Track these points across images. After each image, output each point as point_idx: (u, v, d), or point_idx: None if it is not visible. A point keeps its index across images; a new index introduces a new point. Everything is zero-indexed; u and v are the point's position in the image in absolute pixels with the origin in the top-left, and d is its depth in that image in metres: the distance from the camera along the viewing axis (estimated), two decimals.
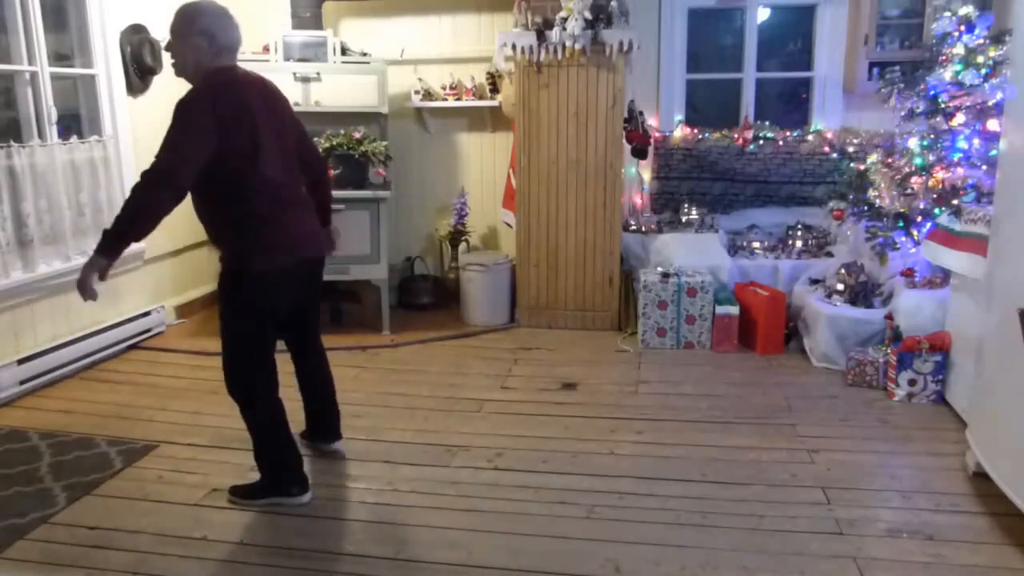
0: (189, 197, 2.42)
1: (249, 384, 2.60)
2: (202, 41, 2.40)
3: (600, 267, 4.73)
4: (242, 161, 2.39)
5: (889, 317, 3.79)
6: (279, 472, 2.69)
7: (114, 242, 2.30)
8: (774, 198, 5.04)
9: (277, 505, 2.66)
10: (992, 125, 3.48)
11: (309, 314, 2.89)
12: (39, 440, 3.20)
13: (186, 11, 2.43)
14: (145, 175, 2.29)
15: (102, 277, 2.30)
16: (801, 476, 2.87)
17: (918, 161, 3.78)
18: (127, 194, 2.17)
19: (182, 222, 4.91)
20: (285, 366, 2.74)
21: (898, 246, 3.95)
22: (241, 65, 2.55)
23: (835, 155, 4.88)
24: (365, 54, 4.83)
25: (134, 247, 4.39)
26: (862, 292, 4.04)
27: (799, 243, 4.75)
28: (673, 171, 5.10)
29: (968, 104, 3.60)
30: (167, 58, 2.59)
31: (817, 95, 5.08)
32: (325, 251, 2.81)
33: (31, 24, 3.78)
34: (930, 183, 3.68)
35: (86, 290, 2.29)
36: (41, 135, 3.85)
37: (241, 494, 2.72)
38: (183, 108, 2.32)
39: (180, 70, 2.49)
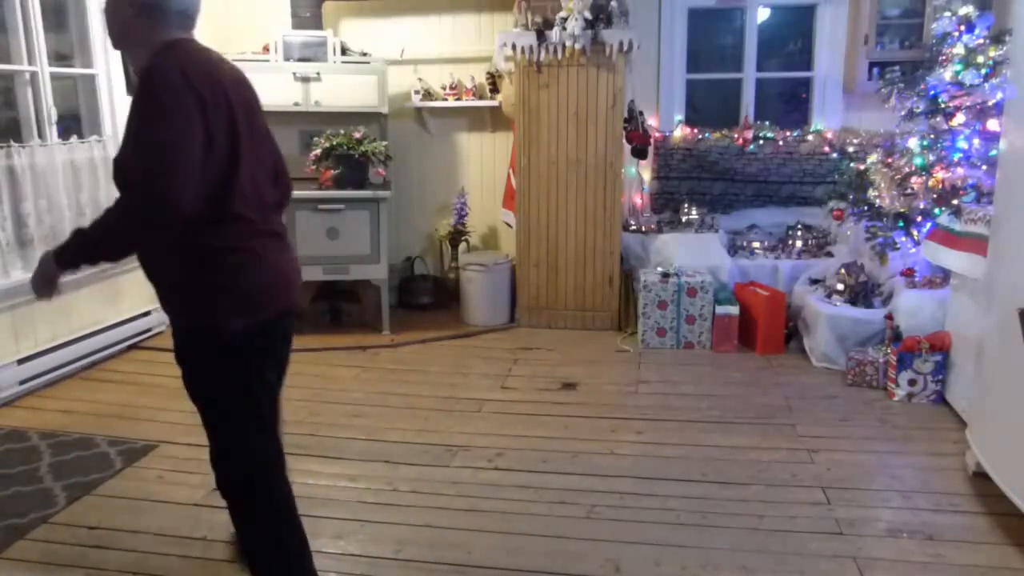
0: None
1: (250, 475, 1.93)
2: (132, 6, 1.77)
3: (600, 267, 4.73)
4: (220, 166, 1.75)
5: (889, 317, 3.79)
6: None
7: (82, 256, 1.79)
8: (774, 198, 5.04)
9: None
10: (992, 125, 3.48)
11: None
12: (39, 440, 3.20)
13: None
14: (126, 203, 1.70)
15: (52, 284, 1.83)
16: (801, 476, 2.87)
17: (918, 161, 3.78)
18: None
19: None
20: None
21: (898, 246, 3.95)
22: (236, 63, 1.95)
23: (835, 155, 4.88)
24: (365, 54, 4.83)
25: None
26: (862, 292, 4.04)
27: (799, 243, 4.75)
28: (673, 171, 5.10)
29: (968, 104, 3.60)
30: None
31: (817, 95, 5.08)
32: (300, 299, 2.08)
33: (31, 24, 3.78)
34: (930, 183, 3.68)
35: (49, 294, 1.85)
36: (41, 135, 3.85)
37: None
38: (157, 89, 1.66)
39: (116, 40, 1.86)
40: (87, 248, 1.77)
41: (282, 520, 1.96)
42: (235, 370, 1.86)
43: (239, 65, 1.98)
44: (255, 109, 1.93)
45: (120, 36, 1.83)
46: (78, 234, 1.77)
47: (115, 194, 1.77)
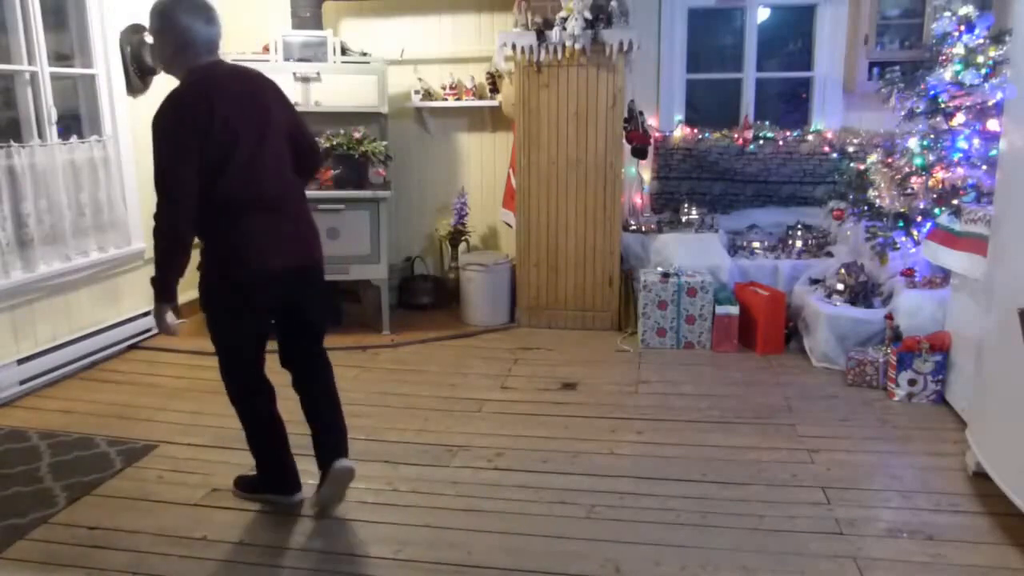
0: None
1: (231, 388, 2.59)
2: (172, 37, 2.33)
3: (600, 267, 4.73)
4: (215, 163, 2.28)
5: (889, 317, 3.79)
6: (264, 471, 2.71)
7: (161, 288, 2.37)
8: (774, 198, 5.04)
9: (271, 502, 2.70)
10: (992, 125, 3.48)
11: (295, 323, 2.63)
12: (39, 440, 3.20)
13: (156, 8, 2.36)
14: (156, 215, 2.26)
15: (176, 315, 2.44)
16: (801, 476, 2.87)
17: (918, 161, 3.78)
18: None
19: None
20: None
21: (898, 246, 3.95)
22: (236, 62, 2.46)
23: (835, 155, 4.88)
24: (365, 54, 4.83)
25: (134, 246, 4.42)
26: (862, 292, 4.04)
27: (799, 243, 4.75)
28: (673, 171, 5.10)
29: (968, 104, 3.60)
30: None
31: (817, 95, 5.08)
32: (316, 255, 2.58)
33: (31, 24, 3.78)
34: (930, 183, 3.68)
35: (166, 330, 2.43)
36: (41, 135, 3.85)
37: (241, 486, 2.77)
38: (158, 123, 2.25)
39: (163, 68, 2.45)
40: (158, 271, 2.35)
41: (255, 423, 2.61)
42: (213, 311, 2.49)
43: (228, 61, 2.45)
44: (269, 107, 2.43)
45: (165, 65, 2.42)
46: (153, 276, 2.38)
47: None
